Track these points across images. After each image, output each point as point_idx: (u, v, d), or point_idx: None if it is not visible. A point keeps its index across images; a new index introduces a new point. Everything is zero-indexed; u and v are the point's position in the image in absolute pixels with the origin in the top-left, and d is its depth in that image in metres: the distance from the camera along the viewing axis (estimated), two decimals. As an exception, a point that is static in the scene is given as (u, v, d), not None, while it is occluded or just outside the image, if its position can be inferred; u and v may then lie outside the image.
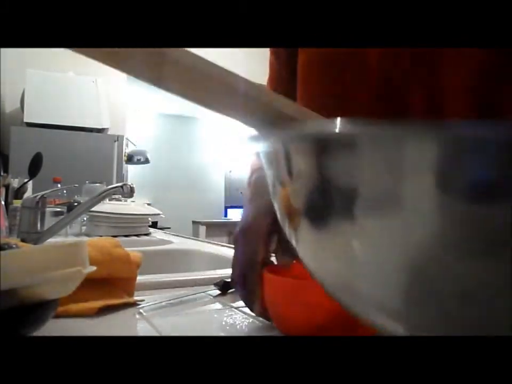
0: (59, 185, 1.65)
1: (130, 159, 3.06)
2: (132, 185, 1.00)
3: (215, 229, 4.15)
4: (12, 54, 2.85)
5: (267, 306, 0.41)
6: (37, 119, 2.56)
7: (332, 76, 0.49)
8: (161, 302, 0.54)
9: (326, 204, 0.15)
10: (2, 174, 1.66)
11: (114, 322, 0.46)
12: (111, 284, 0.53)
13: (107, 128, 2.82)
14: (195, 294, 0.58)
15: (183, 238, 1.43)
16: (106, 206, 1.42)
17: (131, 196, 1.02)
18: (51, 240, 1.01)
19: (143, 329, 0.45)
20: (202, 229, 4.14)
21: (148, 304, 0.52)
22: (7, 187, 1.61)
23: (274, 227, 0.44)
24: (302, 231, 0.17)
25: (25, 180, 1.72)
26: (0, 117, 2.84)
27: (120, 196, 1.50)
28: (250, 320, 0.46)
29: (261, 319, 0.45)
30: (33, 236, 0.99)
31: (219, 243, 1.21)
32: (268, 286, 0.40)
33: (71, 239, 1.32)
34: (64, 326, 0.43)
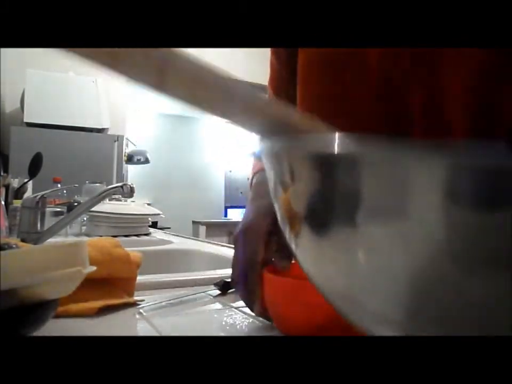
0: (59, 185, 1.65)
1: (130, 159, 3.06)
2: (131, 185, 1.00)
3: (215, 229, 4.15)
4: (12, 54, 2.84)
5: (267, 306, 0.41)
6: (37, 119, 2.56)
7: (332, 76, 0.49)
8: (161, 302, 0.54)
9: (327, 208, 0.15)
10: (2, 174, 1.66)
11: (114, 322, 0.46)
12: (111, 284, 0.53)
13: (107, 128, 2.82)
14: (195, 294, 0.58)
15: (183, 238, 1.43)
16: (106, 206, 1.42)
17: (131, 196, 1.02)
18: (51, 240, 1.01)
19: (143, 329, 0.45)
20: (202, 229, 4.14)
21: (148, 304, 0.52)
22: (7, 187, 1.61)
23: (274, 227, 0.44)
24: (302, 236, 0.17)
25: (25, 180, 1.72)
26: (0, 117, 2.84)
27: (120, 196, 1.50)
28: (250, 320, 0.46)
29: (261, 319, 0.45)
30: (33, 236, 0.99)
31: (219, 243, 1.21)
32: (267, 286, 0.40)
33: (71, 239, 1.32)
34: (64, 326, 0.43)
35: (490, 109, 0.41)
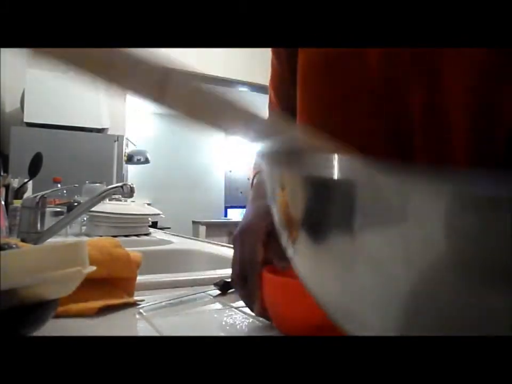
0: (59, 185, 1.65)
1: (130, 159, 3.06)
2: (131, 185, 1.00)
3: (215, 229, 4.15)
4: (12, 54, 2.84)
5: (267, 306, 0.41)
6: (37, 119, 2.56)
7: (332, 76, 0.49)
8: (161, 302, 0.54)
9: (324, 213, 0.15)
10: (2, 174, 1.66)
11: (114, 322, 0.46)
12: (111, 284, 0.53)
13: (107, 128, 2.82)
14: (195, 294, 0.58)
15: (183, 238, 1.43)
16: (106, 206, 1.42)
17: (131, 196, 1.02)
18: (51, 240, 1.01)
19: (143, 329, 0.45)
20: (202, 229, 4.14)
21: (148, 304, 0.52)
22: (7, 187, 1.61)
23: (274, 228, 0.44)
24: (299, 242, 0.17)
25: (25, 180, 1.72)
26: (0, 117, 2.84)
27: (120, 196, 1.50)
28: (250, 320, 0.46)
29: (261, 319, 0.45)
30: (33, 236, 0.99)
31: (219, 243, 1.21)
32: (267, 286, 0.40)
33: (71, 239, 1.32)
34: (64, 326, 0.43)
35: (490, 109, 0.41)
